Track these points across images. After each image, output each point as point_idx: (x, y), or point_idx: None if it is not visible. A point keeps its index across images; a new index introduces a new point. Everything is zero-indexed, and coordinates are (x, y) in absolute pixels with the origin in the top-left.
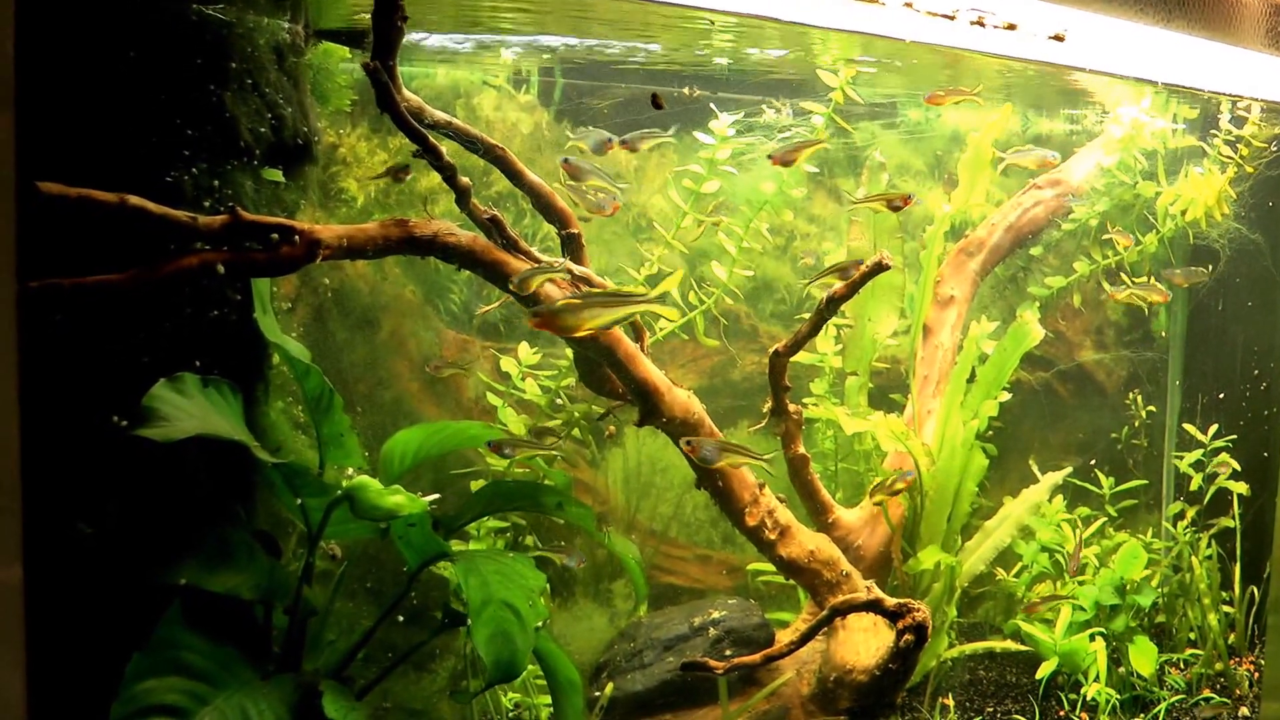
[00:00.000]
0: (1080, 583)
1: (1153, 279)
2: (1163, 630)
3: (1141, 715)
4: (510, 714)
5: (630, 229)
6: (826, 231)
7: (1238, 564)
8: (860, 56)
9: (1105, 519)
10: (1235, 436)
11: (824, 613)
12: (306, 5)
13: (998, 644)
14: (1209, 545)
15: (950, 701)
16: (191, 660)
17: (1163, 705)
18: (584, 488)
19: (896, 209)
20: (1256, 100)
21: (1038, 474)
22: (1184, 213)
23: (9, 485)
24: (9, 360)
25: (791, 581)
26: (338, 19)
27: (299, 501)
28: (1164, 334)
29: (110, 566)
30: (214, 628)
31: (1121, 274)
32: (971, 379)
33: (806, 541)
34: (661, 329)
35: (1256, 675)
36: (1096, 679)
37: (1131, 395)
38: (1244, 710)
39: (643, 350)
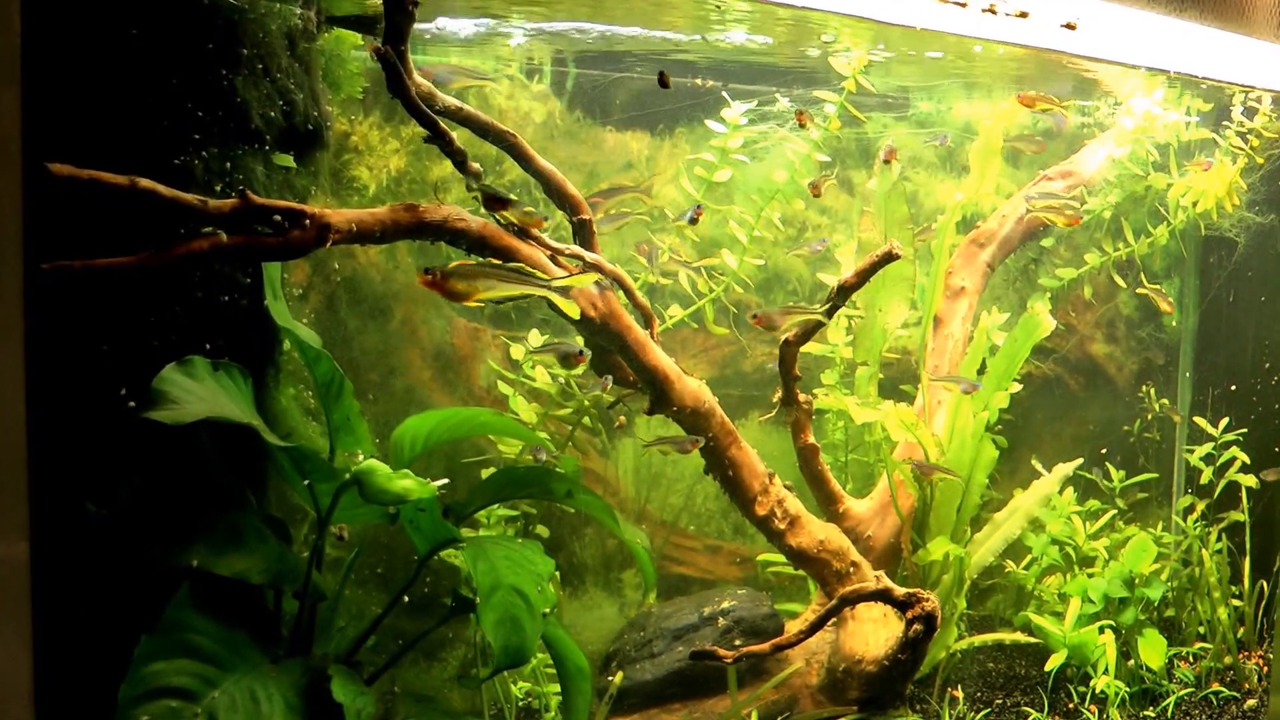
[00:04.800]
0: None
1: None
2: (1172, 624)
3: (1150, 708)
4: (520, 702)
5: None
6: (838, 223)
7: (1247, 558)
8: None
9: (1115, 512)
10: (1246, 430)
11: (833, 602)
12: None
13: (1007, 636)
14: (1219, 539)
15: (959, 693)
16: (201, 643)
17: (1171, 699)
18: (594, 477)
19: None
20: (1268, 91)
21: (1043, 471)
22: (1195, 205)
23: (14, 463)
24: (15, 340)
25: (801, 572)
26: (350, 5)
27: (307, 484)
28: (1175, 325)
29: (120, 548)
30: (223, 611)
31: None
32: (982, 370)
33: (816, 531)
34: (671, 317)
35: (1265, 669)
36: (1105, 672)
37: (1145, 388)
38: (1251, 703)
39: (653, 338)
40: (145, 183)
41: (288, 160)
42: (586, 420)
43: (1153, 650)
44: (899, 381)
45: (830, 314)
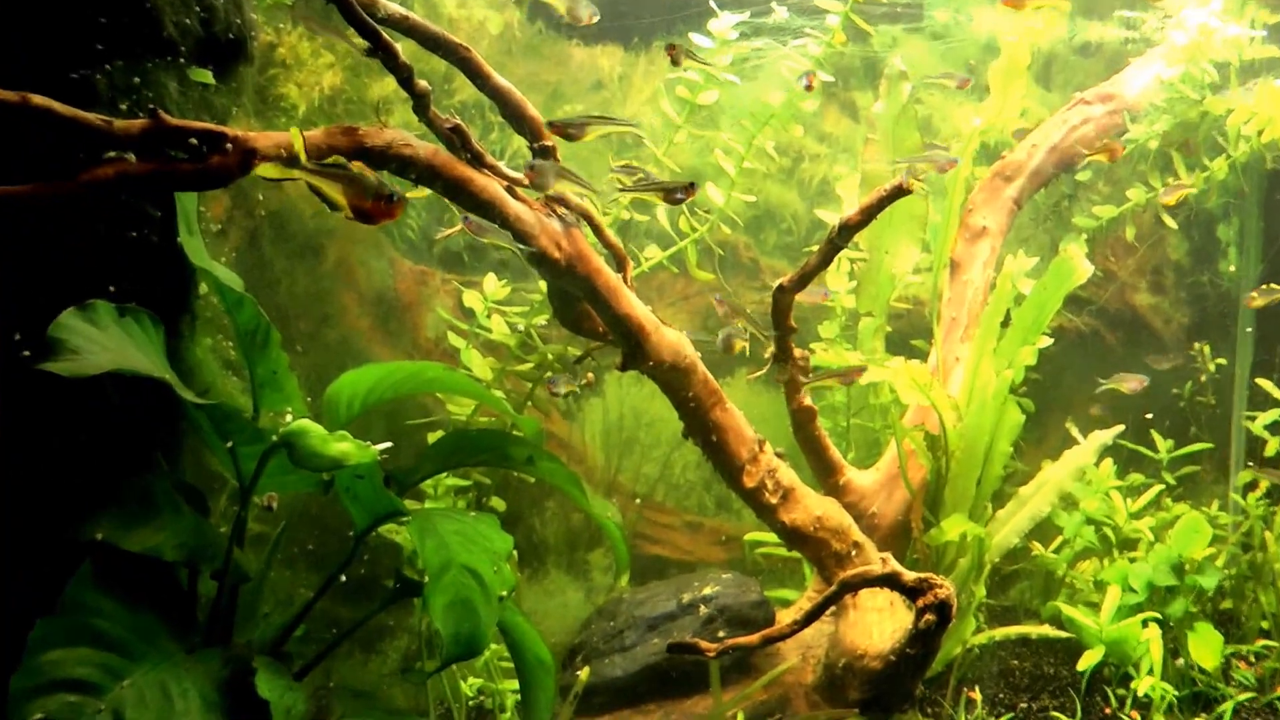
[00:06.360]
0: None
1: None
2: (1229, 617)
3: (1203, 714)
4: (470, 701)
5: (614, 145)
6: (839, 152)
7: None
8: None
9: (1162, 487)
10: None
11: (832, 588)
12: None
13: (1033, 629)
14: None
15: (977, 695)
16: (105, 628)
17: (1229, 704)
18: (557, 443)
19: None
20: None
21: (1078, 437)
22: (1260, 133)
23: None
24: None
25: (795, 553)
26: None
27: (229, 447)
28: (1234, 270)
29: (13, 519)
30: (132, 592)
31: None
32: (1006, 323)
33: (813, 506)
34: (648, 259)
35: None
36: (1150, 672)
37: (1197, 346)
38: None
39: (626, 283)
40: (38, 99)
41: (205, 75)
42: (549, 376)
43: (1206, 648)
44: (909, 335)
45: (828, 259)
